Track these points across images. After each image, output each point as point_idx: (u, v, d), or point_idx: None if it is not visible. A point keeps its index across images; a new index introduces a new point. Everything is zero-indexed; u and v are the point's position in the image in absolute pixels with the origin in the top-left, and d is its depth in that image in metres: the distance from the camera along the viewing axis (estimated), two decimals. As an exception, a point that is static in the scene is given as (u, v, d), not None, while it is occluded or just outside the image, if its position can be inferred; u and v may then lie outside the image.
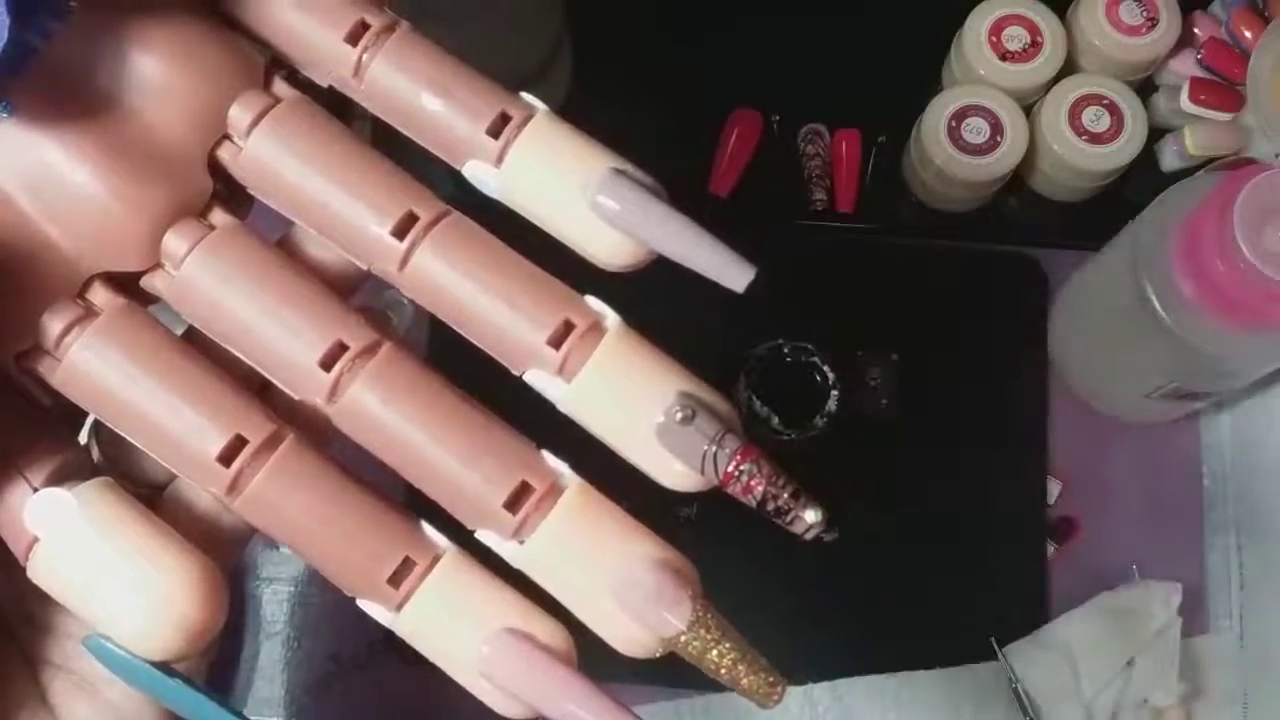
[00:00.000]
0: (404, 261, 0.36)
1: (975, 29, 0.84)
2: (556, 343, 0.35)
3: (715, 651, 0.33)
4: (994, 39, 0.83)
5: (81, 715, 0.38)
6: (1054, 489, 0.86)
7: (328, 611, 0.83)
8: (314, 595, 0.83)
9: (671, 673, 0.80)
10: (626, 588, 0.33)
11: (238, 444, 0.35)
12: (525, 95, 0.37)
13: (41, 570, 0.35)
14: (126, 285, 0.37)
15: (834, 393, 0.80)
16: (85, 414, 0.37)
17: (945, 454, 0.84)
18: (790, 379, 0.81)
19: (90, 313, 0.36)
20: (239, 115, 0.37)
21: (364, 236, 0.36)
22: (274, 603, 0.83)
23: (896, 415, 0.85)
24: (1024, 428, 0.87)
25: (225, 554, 0.38)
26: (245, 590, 0.83)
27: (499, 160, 0.36)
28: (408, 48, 0.37)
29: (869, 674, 0.82)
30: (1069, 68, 0.84)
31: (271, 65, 0.39)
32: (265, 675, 0.82)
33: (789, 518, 0.33)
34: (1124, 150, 0.82)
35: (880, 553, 0.84)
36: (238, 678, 0.82)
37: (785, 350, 0.81)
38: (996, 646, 0.82)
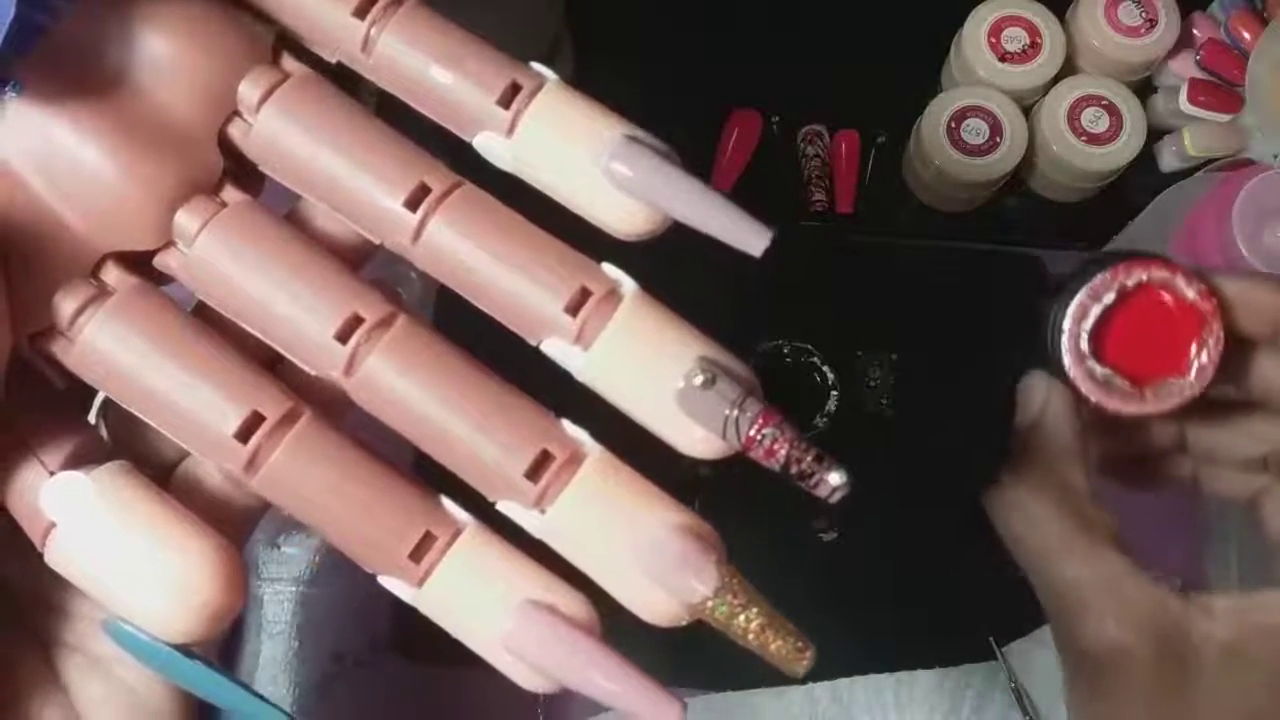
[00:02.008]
0: (417, 234, 0.35)
1: (975, 30, 0.84)
2: (573, 310, 0.34)
3: (743, 617, 0.33)
4: (993, 40, 0.84)
5: (95, 695, 0.38)
6: (1054, 489, 0.86)
7: (330, 611, 0.82)
8: (316, 595, 0.83)
9: (673, 672, 0.80)
10: (651, 554, 0.33)
11: (255, 420, 0.34)
12: (535, 65, 0.37)
13: (59, 555, 0.35)
14: (139, 264, 0.37)
15: (834, 393, 0.80)
16: (95, 393, 0.37)
17: (945, 454, 0.84)
18: (790, 379, 0.81)
19: (103, 292, 0.36)
20: (248, 92, 0.37)
21: (376, 209, 0.36)
22: (276, 602, 0.83)
23: (896, 415, 0.85)
24: (1024, 428, 0.87)
25: (237, 533, 0.38)
26: (247, 589, 0.82)
27: (510, 130, 0.36)
28: (416, 21, 0.37)
29: (869, 674, 0.82)
30: (1068, 69, 0.84)
31: (279, 41, 0.38)
32: (267, 675, 0.82)
33: (813, 480, 0.33)
34: (1123, 151, 0.82)
35: (880, 552, 0.84)
36: (239, 677, 0.82)
37: (785, 350, 0.81)
38: (996, 646, 0.82)
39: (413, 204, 0.35)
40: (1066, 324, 0.53)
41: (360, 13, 0.37)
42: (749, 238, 0.33)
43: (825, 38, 0.92)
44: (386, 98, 0.38)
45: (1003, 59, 0.83)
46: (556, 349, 0.35)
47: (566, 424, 0.35)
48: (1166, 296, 0.52)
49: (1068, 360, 0.53)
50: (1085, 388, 0.53)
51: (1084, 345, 0.52)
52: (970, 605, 0.84)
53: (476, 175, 0.37)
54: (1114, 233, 0.77)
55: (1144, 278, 0.52)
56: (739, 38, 0.92)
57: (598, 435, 0.35)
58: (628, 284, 0.35)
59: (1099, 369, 0.52)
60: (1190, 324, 0.51)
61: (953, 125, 0.83)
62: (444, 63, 0.36)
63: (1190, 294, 0.51)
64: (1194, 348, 0.51)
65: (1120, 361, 0.52)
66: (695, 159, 0.87)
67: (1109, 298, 0.52)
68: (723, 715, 0.81)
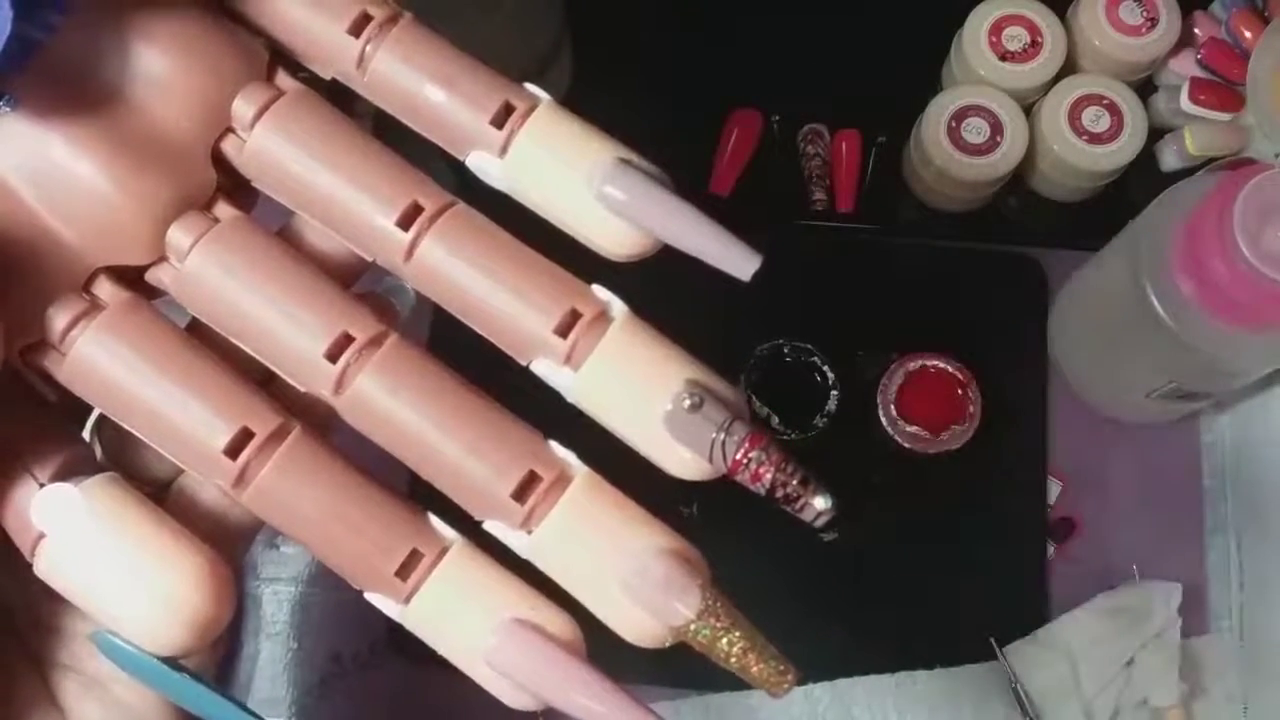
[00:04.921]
0: (409, 252, 0.35)
1: (975, 29, 0.84)
2: (563, 331, 0.34)
3: (725, 640, 0.33)
4: (994, 39, 0.83)
5: (92, 715, 0.38)
6: (1054, 489, 0.86)
7: (328, 612, 0.83)
8: (315, 595, 0.83)
9: (671, 674, 0.80)
10: (635, 577, 0.33)
11: (244, 437, 0.34)
12: (529, 86, 0.37)
13: (48, 566, 0.35)
14: (131, 279, 0.37)
15: (834, 393, 0.80)
16: (90, 410, 0.37)
17: (945, 454, 0.84)
18: (790, 379, 0.81)
19: (95, 307, 0.36)
20: (242, 108, 0.37)
21: (369, 228, 0.36)
22: (274, 603, 0.83)
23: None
24: (1024, 428, 0.87)
25: (232, 548, 0.38)
26: (245, 590, 0.83)
27: (503, 151, 0.36)
28: (411, 39, 0.37)
29: (869, 674, 0.82)
30: (1069, 68, 0.84)
31: (274, 58, 0.38)
32: (266, 675, 0.82)
33: (798, 504, 0.33)
34: (1124, 150, 0.83)
35: (880, 553, 0.84)
36: (238, 678, 0.82)
37: (785, 350, 0.81)
38: (996, 646, 0.82)
39: (405, 222, 0.35)
40: (879, 401, 0.80)
41: (355, 30, 0.37)
42: (739, 262, 0.33)
43: (825, 38, 0.92)
44: (385, 114, 0.38)
45: (1003, 58, 0.83)
46: (546, 370, 0.35)
47: (554, 445, 0.35)
48: (938, 372, 0.80)
49: (885, 422, 0.80)
50: (902, 439, 0.80)
51: (893, 413, 0.80)
52: (970, 605, 0.84)
53: (476, 191, 0.37)
54: (1114, 233, 0.77)
55: (921, 363, 0.80)
56: (739, 38, 0.92)
57: (590, 454, 0.36)
58: (618, 306, 0.35)
59: (908, 428, 0.80)
60: (959, 387, 0.80)
61: (953, 124, 0.83)
62: (438, 81, 0.36)
63: (951, 369, 0.80)
64: (966, 403, 0.79)
65: (922, 420, 0.80)
66: (695, 159, 0.88)
67: (899, 378, 0.80)
68: (720, 716, 0.81)
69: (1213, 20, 0.86)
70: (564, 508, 0.34)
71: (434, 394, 0.35)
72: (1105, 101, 0.83)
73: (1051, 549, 0.86)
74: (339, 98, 0.38)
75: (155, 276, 0.37)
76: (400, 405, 0.35)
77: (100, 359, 0.35)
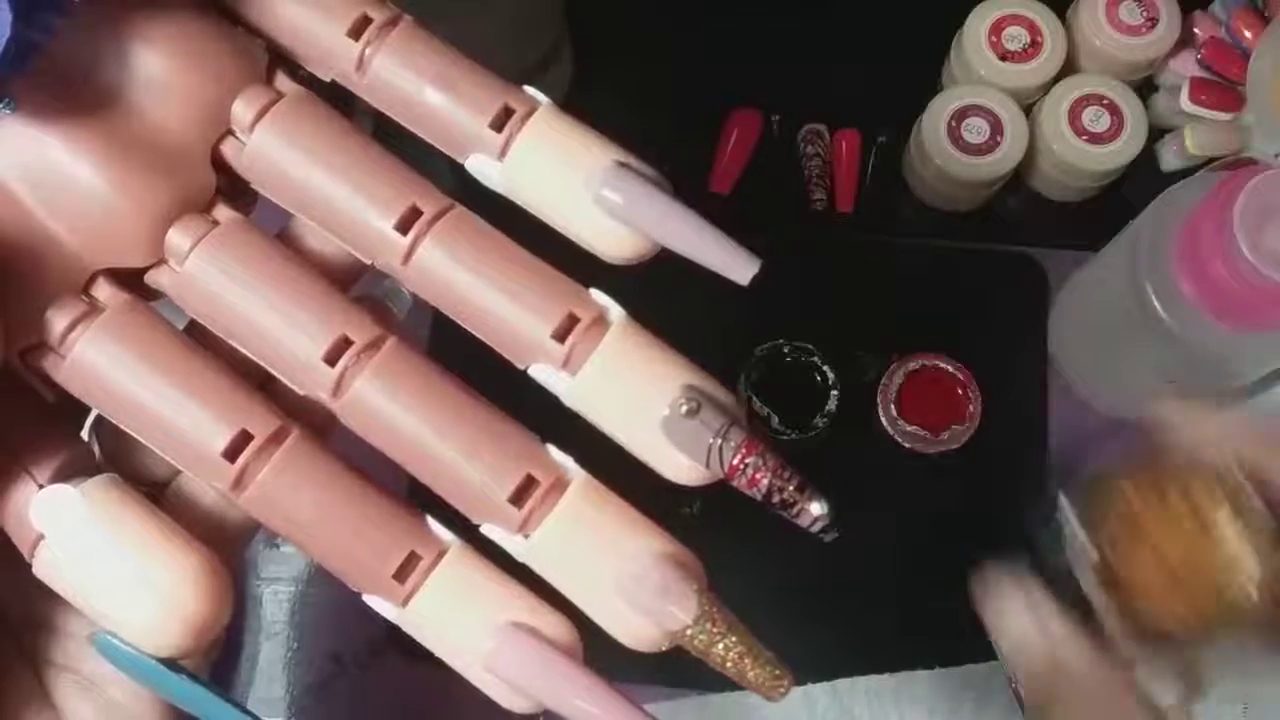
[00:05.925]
0: (408, 256, 0.36)
1: (975, 29, 0.84)
2: (561, 336, 0.35)
3: (721, 645, 0.33)
4: (994, 39, 0.83)
5: (86, 715, 0.38)
6: (1054, 489, 0.86)
7: (329, 612, 0.83)
8: (315, 595, 0.83)
9: (669, 673, 0.80)
10: (632, 582, 0.33)
11: (243, 439, 0.35)
12: (528, 89, 0.37)
13: (47, 567, 0.35)
14: (131, 281, 0.37)
15: (834, 393, 0.80)
16: (88, 411, 0.37)
17: (945, 454, 0.84)
18: (790, 379, 0.81)
19: (94, 309, 0.36)
20: (242, 111, 0.37)
21: (368, 231, 0.36)
22: (275, 603, 0.83)
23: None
24: (1024, 428, 0.87)
25: (230, 549, 0.38)
26: (245, 590, 0.83)
27: (502, 154, 0.36)
28: (411, 42, 0.37)
29: (869, 674, 0.82)
30: (1069, 68, 0.84)
31: (274, 60, 0.38)
32: (266, 675, 0.82)
33: (795, 510, 0.33)
34: (1124, 150, 0.82)
35: (880, 553, 0.84)
36: (238, 678, 0.82)
37: (785, 350, 0.81)
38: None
39: (404, 226, 0.36)
40: (879, 401, 0.81)
41: (355, 33, 0.37)
42: (737, 266, 0.34)
43: (826, 37, 0.92)
44: (384, 116, 0.38)
45: (1003, 58, 0.83)
46: (544, 374, 0.35)
47: (552, 449, 0.35)
48: (938, 372, 0.81)
49: (885, 422, 0.81)
50: (902, 439, 0.81)
51: (893, 413, 0.81)
52: (970, 605, 0.84)
53: (475, 194, 0.37)
54: (1114, 233, 0.77)
55: (922, 363, 0.81)
56: (739, 37, 0.92)
57: (588, 458, 0.36)
58: (615, 310, 0.36)
59: (908, 428, 0.81)
60: (959, 387, 0.81)
61: (953, 124, 0.83)
62: (438, 84, 0.36)
63: (951, 368, 0.81)
64: (966, 403, 0.80)
65: (922, 420, 0.81)
66: (695, 159, 0.88)
67: (899, 378, 0.81)
68: (719, 716, 0.81)
69: (1213, 20, 0.86)
70: (561, 512, 0.34)
71: (432, 398, 0.35)
72: (1105, 101, 0.83)
73: (1051, 549, 0.86)
74: (338, 100, 0.38)
75: (154, 279, 0.37)
76: (398, 409, 0.35)
77: (99, 361, 0.35)
